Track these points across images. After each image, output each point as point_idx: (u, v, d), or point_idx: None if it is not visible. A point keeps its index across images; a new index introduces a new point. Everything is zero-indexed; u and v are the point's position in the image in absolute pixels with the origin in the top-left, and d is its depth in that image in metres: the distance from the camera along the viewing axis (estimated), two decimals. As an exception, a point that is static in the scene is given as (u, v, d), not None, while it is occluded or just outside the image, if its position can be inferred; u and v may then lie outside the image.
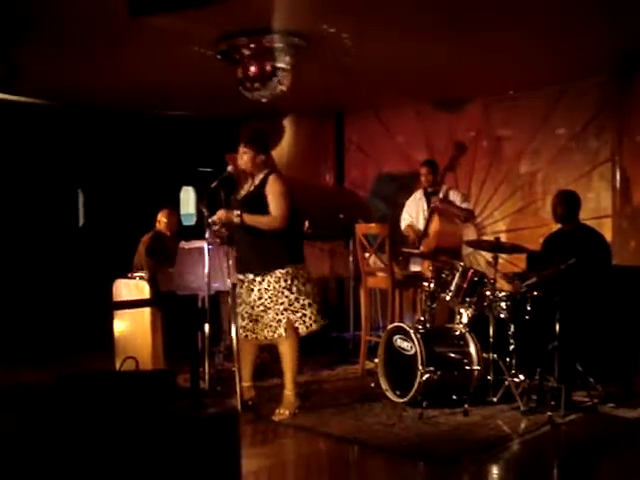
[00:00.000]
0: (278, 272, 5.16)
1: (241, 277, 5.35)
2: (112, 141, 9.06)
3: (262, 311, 5.22)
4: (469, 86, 7.72)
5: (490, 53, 6.31)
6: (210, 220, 5.33)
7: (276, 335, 5.22)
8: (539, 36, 5.83)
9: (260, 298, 5.20)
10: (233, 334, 5.42)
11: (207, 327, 5.85)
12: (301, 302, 5.22)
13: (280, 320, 5.18)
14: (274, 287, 5.16)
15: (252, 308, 5.26)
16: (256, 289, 5.22)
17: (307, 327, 5.27)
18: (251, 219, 5.15)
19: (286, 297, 5.17)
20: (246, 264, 5.30)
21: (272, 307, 5.18)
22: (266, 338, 5.29)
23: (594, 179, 7.30)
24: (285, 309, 5.18)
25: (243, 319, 5.34)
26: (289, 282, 5.17)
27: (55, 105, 8.43)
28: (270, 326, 5.21)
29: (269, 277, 5.16)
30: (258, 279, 5.20)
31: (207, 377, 5.89)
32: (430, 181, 6.92)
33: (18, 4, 4.90)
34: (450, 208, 6.81)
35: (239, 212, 5.15)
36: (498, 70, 6.97)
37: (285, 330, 5.19)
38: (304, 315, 5.23)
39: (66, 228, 8.95)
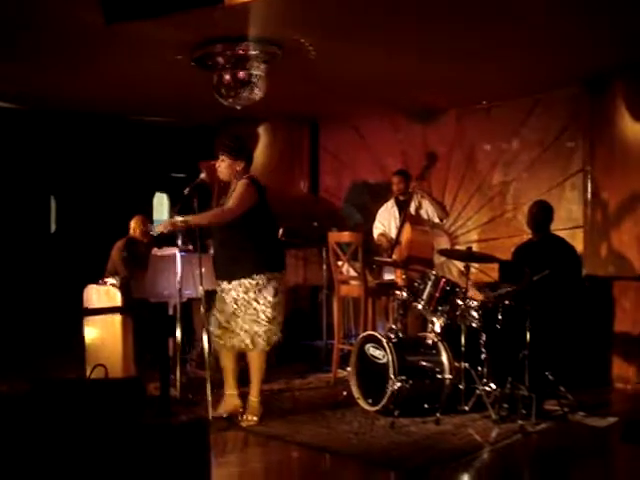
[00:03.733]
0: (247, 282, 5.14)
1: (218, 283, 5.35)
2: (85, 147, 9.00)
3: (233, 320, 5.20)
4: (443, 97, 7.76)
5: (463, 65, 6.35)
6: (151, 231, 5.31)
7: (243, 345, 5.22)
8: (513, 49, 5.88)
9: (232, 306, 5.20)
10: (205, 341, 5.39)
11: (179, 334, 5.83)
12: (268, 315, 5.17)
13: (247, 330, 5.17)
14: (243, 297, 5.16)
15: (222, 315, 5.25)
16: (228, 297, 5.22)
17: (269, 341, 5.25)
18: (195, 218, 5.12)
19: (254, 309, 5.16)
20: (220, 271, 5.30)
21: (241, 316, 5.17)
22: (234, 347, 5.28)
23: (566, 190, 7.36)
24: (253, 320, 5.16)
25: (215, 326, 5.32)
26: (257, 294, 5.15)
27: (28, 110, 8.37)
28: (238, 335, 5.20)
29: (238, 286, 5.16)
30: (229, 287, 5.21)
31: (178, 385, 5.86)
32: (402, 190, 6.98)
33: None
34: (427, 196, 6.93)
35: (182, 218, 5.11)
36: (471, 81, 7.01)
37: (251, 341, 5.19)
38: (269, 330, 5.21)
39: (38, 234, 8.87)
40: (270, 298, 5.18)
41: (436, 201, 7.01)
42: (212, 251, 5.53)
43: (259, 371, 5.31)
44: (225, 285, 5.23)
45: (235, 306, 5.17)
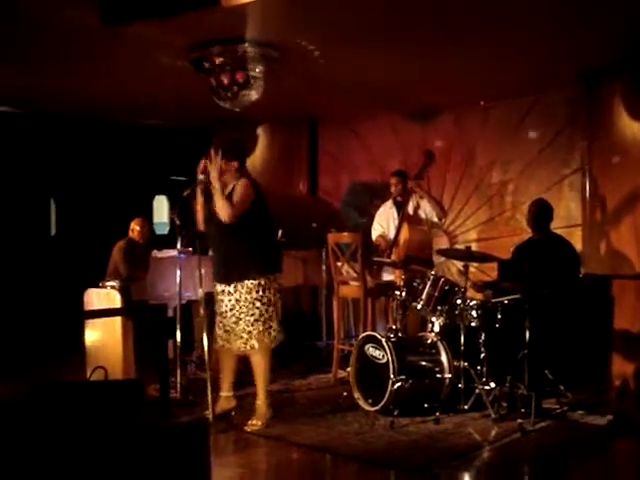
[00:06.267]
0: (249, 283, 5.13)
1: (216, 286, 5.34)
2: (85, 150, 9.02)
3: (234, 322, 5.19)
4: (441, 97, 7.76)
5: (461, 66, 6.35)
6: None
7: (248, 347, 5.20)
8: (510, 50, 5.90)
9: (232, 309, 5.18)
10: (205, 343, 5.41)
11: (179, 336, 5.85)
12: (270, 313, 5.20)
13: (251, 332, 5.16)
14: (245, 298, 5.13)
15: (225, 318, 5.24)
16: (226, 299, 5.20)
17: (272, 339, 5.26)
18: (218, 194, 5.08)
19: (257, 308, 5.15)
20: (219, 273, 5.28)
21: (243, 318, 5.16)
22: (239, 349, 5.27)
23: (564, 189, 7.37)
24: (256, 320, 5.15)
25: (220, 328, 5.32)
26: (260, 293, 5.14)
27: (27, 113, 8.38)
28: (241, 337, 5.19)
29: (240, 288, 5.14)
30: (229, 289, 5.18)
31: (179, 386, 5.88)
32: (400, 190, 6.97)
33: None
34: (426, 195, 6.89)
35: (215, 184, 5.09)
36: (469, 82, 7.02)
37: (257, 341, 5.18)
38: (270, 327, 5.21)
39: (38, 237, 8.88)
40: (272, 297, 5.20)
41: (434, 200, 6.99)
42: (211, 253, 5.52)
43: (264, 374, 5.29)
44: (225, 287, 5.22)
45: (238, 308, 5.16)
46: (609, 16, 5.14)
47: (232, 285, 5.17)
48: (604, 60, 6.27)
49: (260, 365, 5.28)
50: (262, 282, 5.16)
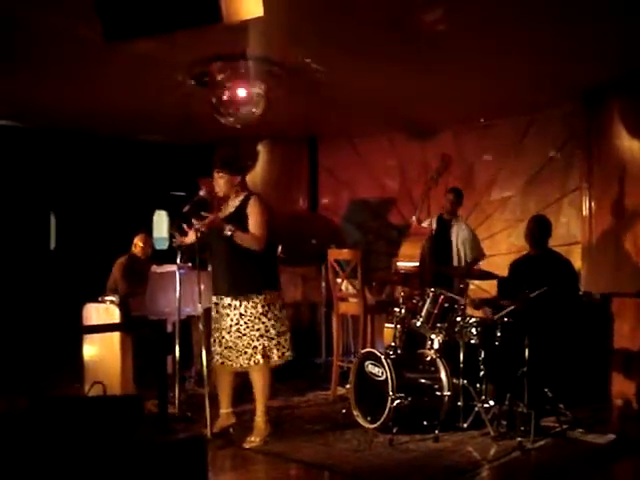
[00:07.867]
0: (255, 297, 5.13)
1: (215, 300, 5.31)
2: (85, 164, 9.02)
3: (237, 337, 5.16)
4: (440, 115, 7.79)
5: (461, 84, 6.38)
6: (195, 225, 5.20)
7: (252, 362, 5.16)
8: (509, 67, 5.92)
9: (237, 324, 5.15)
10: (204, 359, 5.39)
11: (177, 352, 5.84)
12: (277, 329, 5.20)
13: (256, 347, 5.14)
14: (251, 312, 5.12)
15: (228, 334, 5.21)
16: (232, 314, 5.17)
17: (281, 355, 5.25)
18: (239, 236, 5.09)
19: (262, 323, 5.13)
20: (222, 287, 5.24)
21: (248, 333, 5.13)
22: (241, 366, 5.23)
23: (564, 206, 7.39)
24: (261, 335, 5.14)
25: (220, 345, 5.29)
26: (266, 308, 5.14)
27: (28, 127, 8.40)
28: (245, 353, 5.16)
29: (246, 302, 5.12)
30: (235, 303, 5.15)
31: (177, 402, 5.86)
32: (452, 210, 6.88)
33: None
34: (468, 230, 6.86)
35: (232, 226, 5.08)
36: (469, 100, 7.05)
37: (262, 357, 5.16)
38: (279, 343, 5.21)
39: (37, 251, 8.88)
40: (277, 313, 5.20)
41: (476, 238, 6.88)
42: (210, 267, 5.51)
43: (264, 390, 5.27)
44: (229, 301, 5.19)
45: (242, 322, 5.14)
46: (607, 33, 5.16)
47: (238, 299, 5.14)
48: (602, 78, 6.29)
49: (260, 381, 5.26)
50: (268, 297, 5.17)
